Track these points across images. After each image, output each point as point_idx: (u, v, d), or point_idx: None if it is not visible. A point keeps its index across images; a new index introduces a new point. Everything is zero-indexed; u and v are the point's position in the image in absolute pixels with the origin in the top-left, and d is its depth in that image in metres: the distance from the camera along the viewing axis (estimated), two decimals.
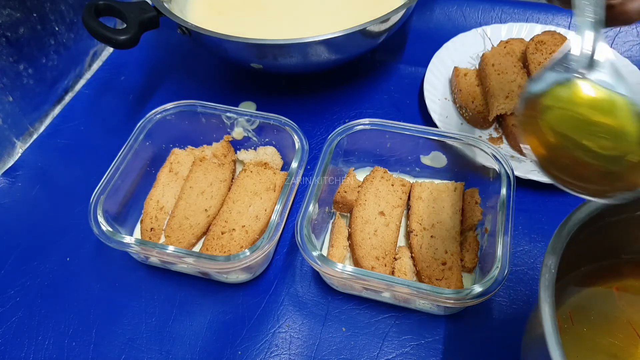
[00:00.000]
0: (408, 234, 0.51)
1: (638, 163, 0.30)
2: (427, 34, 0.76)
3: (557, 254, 0.29)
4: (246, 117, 0.56)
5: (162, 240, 0.51)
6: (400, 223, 0.51)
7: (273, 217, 0.46)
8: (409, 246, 0.50)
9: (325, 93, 0.69)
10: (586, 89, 0.33)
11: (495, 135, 0.62)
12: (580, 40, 0.34)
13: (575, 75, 0.34)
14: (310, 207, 0.47)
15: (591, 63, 0.34)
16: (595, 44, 0.34)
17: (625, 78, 0.33)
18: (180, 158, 0.57)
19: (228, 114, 0.56)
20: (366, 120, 0.53)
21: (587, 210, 0.31)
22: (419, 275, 0.48)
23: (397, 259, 0.49)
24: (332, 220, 0.54)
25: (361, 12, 0.65)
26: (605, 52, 0.34)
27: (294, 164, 0.51)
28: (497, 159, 0.49)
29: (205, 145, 0.59)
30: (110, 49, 0.77)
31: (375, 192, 0.52)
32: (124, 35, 0.56)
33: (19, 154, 0.64)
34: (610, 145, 0.31)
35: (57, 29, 0.66)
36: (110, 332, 0.48)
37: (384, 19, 0.56)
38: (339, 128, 0.53)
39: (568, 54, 0.35)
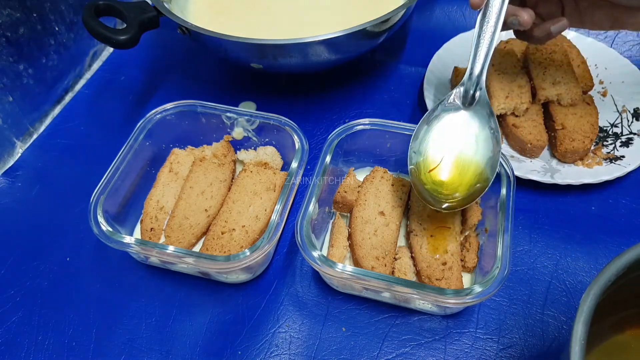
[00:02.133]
0: (408, 234, 0.51)
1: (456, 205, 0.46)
2: (427, 34, 0.76)
3: (586, 323, 0.29)
4: (246, 117, 0.56)
5: (162, 240, 0.51)
6: (400, 223, 0.51)
7: (273, 217, 0.46)
8: (409, 246, 0.50)
9: (325, 93, 0.69)
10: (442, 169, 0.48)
11: None
12: (473, 63, 0.48)
13: (462, 107, 0.48)
14: (310, 207, 0.47)
15: (472, 100, 0.48)
16: (483, 73, 0.47)
17: (488, 103, 0.48)
18: (180, 158, 0.57)
19: (228, 114, 0.56)
20: (366, 120, 0.53)
21: (615, 269, 0.31)
22: (419, 275, 0.48)
23: (397, 259, 0.49)
24: (332, 220, 0.54)
25: (361, 12, 0.66)
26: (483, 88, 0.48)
27: (294, 164, 0.51)
28: None
29: (205, 145, 0.59)
30: (110, 49, 0.77)
31: (375, 192, 0.52)
32: (124, 35, 0.56)
33: (19, 154, 0.64)
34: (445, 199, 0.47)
35: (57, 29, 0.66)
36: (110, 332, 0.48)
37: (384, 19, 0.56)
38: (339, 128, 0.53)
39: (457, 92, 0.48)
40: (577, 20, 0.51)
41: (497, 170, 0.46)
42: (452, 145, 0.48)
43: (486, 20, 0.47)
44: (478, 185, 0.46)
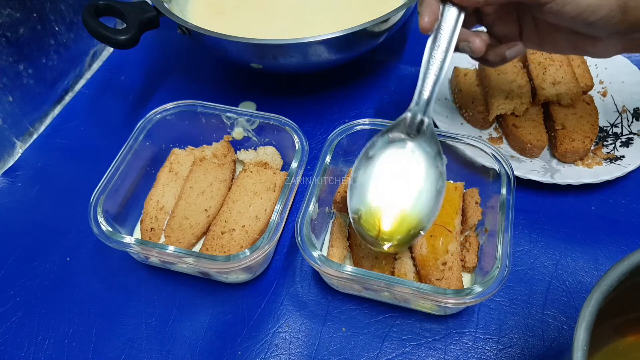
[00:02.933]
0: None
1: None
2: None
3: (588, 329, 0.29)
4: (246, 117, 0.56)
5: (162, 240, 0.51)
6: None
7: (273, 217, 0.46)
8: (409, 246, 0.50)
9: (325, 93, 0.69)
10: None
11: (495, 135, 0.62)
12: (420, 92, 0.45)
13: (407, 138, 0.46)
14: (310, 207, 0.47)
15: (419, 128, 0.46)
16: (429, 106, 0.45)
17: (437, 140, 0.45)
18: (180, 158, 0.57)
19: (228, 114, 0.56)
20: (366, 120, 0.53)
21: (616, 275, 0.31)
22: (419, 275, 0.48)
23: (397, 259, 0.49)
24: (332, 220, 0.54)
25: (361, 12, 0.66)
26: (428, 118, 0.45)
27: (294, 164, 0.51)
28: (497, 159, 0.49)
29: (205, 145, 0.59)
30: (110, 49, 0.77)
31: None
32: (124, 35, 0.56)
33: (19, 154, 0.64)
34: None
35: (57, 29, 0.66)
36: (110, 332, 0.48)
37: (384, 19, 0.56)
38: (339, 128, 0.53)
39: (403, 121, 0.46)
40: (536, 43, 0.48)
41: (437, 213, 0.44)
42: (397, 193, 0.45)
43: (437, 44, 0.44)
44: (413, 232, 0.45)
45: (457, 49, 0.45)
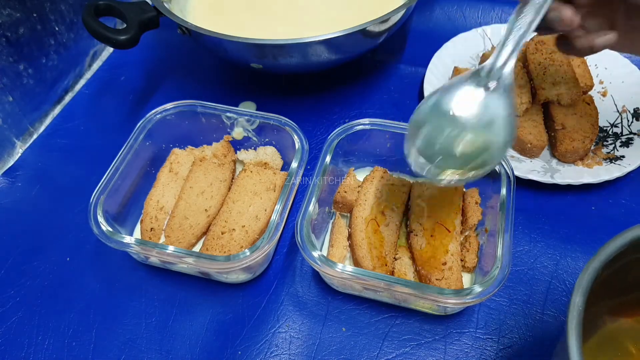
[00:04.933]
0: (408, 234, 0.51)
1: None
2: (427, 34, 0.76)
3: (584, 293, 0.29)
4: (246, 117, 0.56)
5: (162, 240, 0.51)
6: (400, 223, 0.51)
7: (273, 217, 0.46)
8: (409, 246, 0.50)
9: (325, 93, 0.69)
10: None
11: None
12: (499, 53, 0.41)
13: (484, 87, 0.42)
14: (310, 207, 0.47)
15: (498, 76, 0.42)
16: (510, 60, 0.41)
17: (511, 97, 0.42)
18: (180, 158, 0.57)
19: (228, 114, 0.56)
20: (366, 120, 0.53)
21: (614, 247, 0.31)
22: (419, 275, 0.48)
23: (397, 259, 0.49)
24: (332, 220, 0.54)
25: (361, 12, 0.66)
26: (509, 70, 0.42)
27: (294, 164, 0.51)
28: None
29: (205, 145, 0.59)
30: (110, 49, 0.77)
31: (375, 192, 0.52)
32: (124, 35, 0.56)
33: (19, 154, 0.64)
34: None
35: (57, 29, 0.66)
36: (110, 332, 0.48)
37: (384, 19, 0.56)
38: (339, 128, 0.53)
39: (482, 68, 0.42)
40: (629, 43, 0.45)
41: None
42: (465, 147, 0.43)
43: (525, 11, 0.41)
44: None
45: (545, 21, 0.42)
